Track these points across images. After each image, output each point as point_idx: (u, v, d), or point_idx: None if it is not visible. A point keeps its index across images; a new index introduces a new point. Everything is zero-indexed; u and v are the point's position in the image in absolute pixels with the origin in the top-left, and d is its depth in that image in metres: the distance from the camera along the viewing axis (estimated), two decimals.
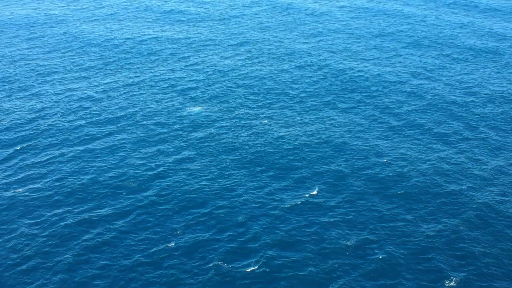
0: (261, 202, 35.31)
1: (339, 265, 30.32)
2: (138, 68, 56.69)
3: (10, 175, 38.88)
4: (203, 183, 37.28)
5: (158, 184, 37.22)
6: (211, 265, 30.45)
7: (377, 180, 37.29)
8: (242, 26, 69.15)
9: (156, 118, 46.06)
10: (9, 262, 31.02)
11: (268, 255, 30.98)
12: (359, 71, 54.45)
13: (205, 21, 71.46)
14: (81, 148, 41.78)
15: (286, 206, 34.98)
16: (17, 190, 37.16)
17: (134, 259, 30.94)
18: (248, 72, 54.95)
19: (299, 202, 35.28)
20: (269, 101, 48.60)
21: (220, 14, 74.35)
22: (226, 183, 37.32)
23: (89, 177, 38.23)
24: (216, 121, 45.35)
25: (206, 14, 74.50)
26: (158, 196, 36.04)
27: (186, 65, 57.24)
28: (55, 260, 30.96)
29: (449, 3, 76.87)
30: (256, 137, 42.79)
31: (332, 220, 33.68)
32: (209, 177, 37.97)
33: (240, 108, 47.43)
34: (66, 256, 31.25)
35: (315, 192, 36.21)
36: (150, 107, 48.02)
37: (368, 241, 31.99)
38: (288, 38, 64.35)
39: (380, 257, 30.76)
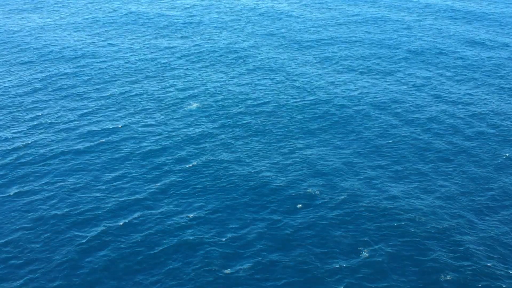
0: (260, 204, 35.20)
1: (339, 269, 30.14)
2: (132, 78, 56.41)
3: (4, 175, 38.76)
4: (203, 185, 37.26)
5: (157, 185, 37.05)
6: (207, 269, 30.24)
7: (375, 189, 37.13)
8: (232, 34, 68.97)
9: (154, 131, 45.80)
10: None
11: (267, 259, 30.81)
12: (349, 88, 53.96)
13: (196, 27, 71.24)
14: (78, 153, 41.51)
15: (283, 208, 34.88)
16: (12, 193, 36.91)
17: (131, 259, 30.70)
18: (235, 84, 54.65)
19: (299, 206, 35.20)
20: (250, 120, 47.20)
21: (213, 20, 74.18)
22: (226, 185, 37.23)
23: (86, 179, 38.17)
24: (214, 130, 45.16)
25: (197, 19, 74.30)
26: (156, 200, 35.80)
27: (182, 75, 56.98)
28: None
29: (446, 10, 77.01)
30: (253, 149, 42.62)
31: (331, 222, 33.59)
32: (209, 180, 37.82)
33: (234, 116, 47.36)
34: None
35: (316, 193, 36.22)
36: (146, 120, 47.74)
37: (366, 243, 31.97)
38: (279, 48, 63.79)
39: (380, 259, 30.69)
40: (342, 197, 36.01)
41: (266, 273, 30.13)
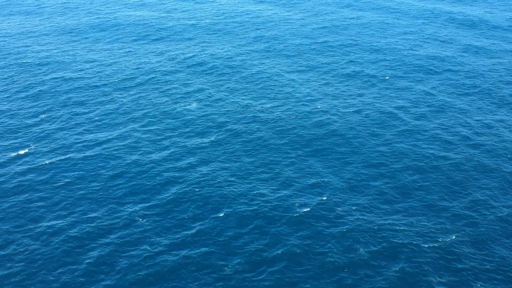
0: (263, 215, 35.15)
1: (347, 278, 30.09)
2: (132, 82, 56.27)
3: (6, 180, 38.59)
4: (209, 189, 37.46)
5: (165, 191, 37.09)
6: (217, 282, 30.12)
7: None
8: (234, 39, 68.88)
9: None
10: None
11: (275, 268, 30.78)
12: (349, 98, 53.88)
13: (197, 32, 71.17)
14: (80, 159, 41.38)
15: (294, 214, 34.93)
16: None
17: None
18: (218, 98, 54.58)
19: (308, 209, 35.35)
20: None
21: (213, 25, 74.09)
22: (232, 188, 37.22)
23: (90, 186, 38.06)
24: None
25: (198, 24, 74.19)
26: (164, 203, 35.90)
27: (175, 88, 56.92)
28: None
29: (448, 14, 77.02)
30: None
31: (341, 229, 33.55)
32: (214, 181, 38.07)
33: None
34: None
35: (322, 201, 36.16)
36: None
37: (377, 252, 31.90)
38: (281, 54, 63.75)
39: (397, 268, 30.63)
40: (343, 210, 36.04)
41: (271, 280, 30.20)
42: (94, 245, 32.71)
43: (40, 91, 52.86)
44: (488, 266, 31.20)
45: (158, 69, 58.27)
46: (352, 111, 48.64)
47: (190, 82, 55.15)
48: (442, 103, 50.16)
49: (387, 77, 55.86)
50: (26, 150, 42.62)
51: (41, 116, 47.98)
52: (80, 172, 39.77)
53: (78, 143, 43.65)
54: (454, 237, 33.32)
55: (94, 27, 72.25)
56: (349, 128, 45.67)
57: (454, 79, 55.45)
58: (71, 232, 33.74)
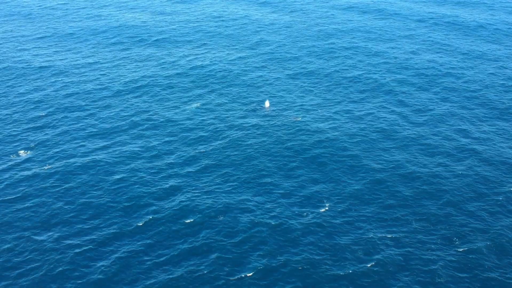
0: (272, 214, 34.74)
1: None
2: (130, 86, 55.93)
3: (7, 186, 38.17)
4: (213, 194, 36.88)
5: (169, 196, 36.68)
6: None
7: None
8: (233, 44, 68.64)
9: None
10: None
11: (278, 275, 30.36)
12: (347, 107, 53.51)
13: (197, 37, 70.89)
14: (83, 160, 40.93)
15: (297, 221, 34.37)
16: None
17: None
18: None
19: (310, 217, 34.82)
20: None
21: (214, 30, 73.85)
22: (236, 194, 36.76)
23: (92, 190, 37.69)
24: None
25: (197, 29, 73.94)
26: (166, 211, 35.42)
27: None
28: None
29: (449, 17, 76.81)
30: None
31: (345, 238, 33.13)
32: (218, 187, 37.56)
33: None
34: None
35: (325, 209, 35.74)
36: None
37: (380, 263, 31.50)
38: (283, 61, 63.52)
39: (407, 278, 30.25)
40: (346, 219, 35.66)
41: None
42: (98, 251, 32.33)
43: (41, 95, 52.49)
44: (495, 274, 30.88)
45: (160, 73, 57.93)
46: (354, 116, 48.24)
47: (192, 85, 54.83)
48: (444, 108, 49.82)
49: (389, 80, 55.57)
50: (28, 153, 42.28)
51: (42, 120, 47.62)
52: (83, 177, 39.37)
53: (80, 147, 43.29)
54: (462, 244, 32.97)
55: (95, 31, 71.94)
56: (351, 134, 45.16)
57: (457, 83, 55.10)
58: (73, 239, 33.36)
